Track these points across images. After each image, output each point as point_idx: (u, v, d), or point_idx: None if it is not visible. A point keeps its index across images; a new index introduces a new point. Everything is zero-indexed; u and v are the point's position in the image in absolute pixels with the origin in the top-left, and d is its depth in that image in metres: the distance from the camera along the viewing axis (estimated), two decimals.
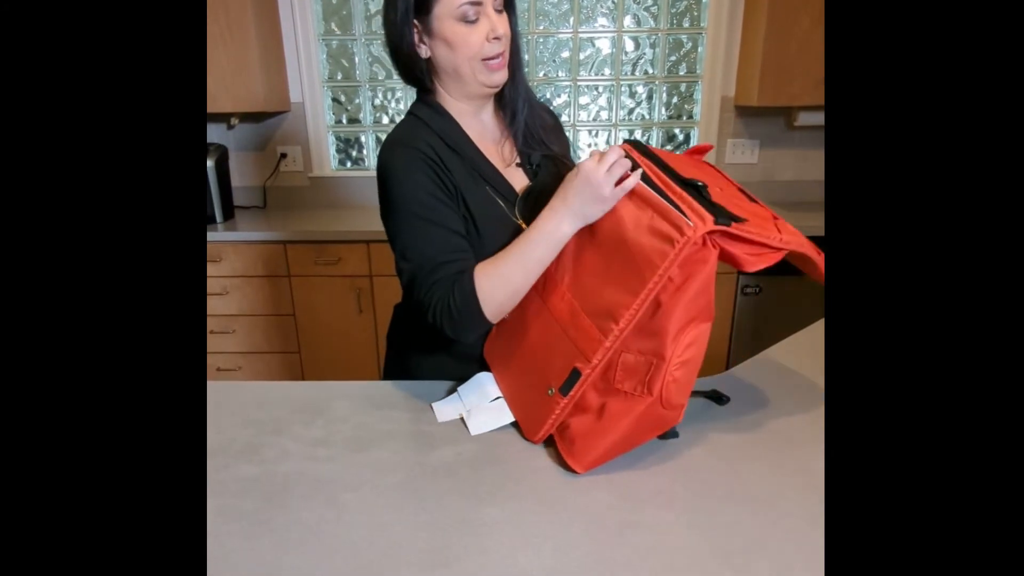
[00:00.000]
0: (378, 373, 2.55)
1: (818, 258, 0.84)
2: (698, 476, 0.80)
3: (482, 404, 0.95)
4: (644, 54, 2.74)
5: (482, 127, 1.04)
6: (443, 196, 0.94)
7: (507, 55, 0.96)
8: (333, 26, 2.72)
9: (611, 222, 0.83)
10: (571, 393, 0.81)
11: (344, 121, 2.85)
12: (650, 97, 2.81)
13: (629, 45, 2.73)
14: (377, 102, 2.82)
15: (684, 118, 2.84)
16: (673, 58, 2.75)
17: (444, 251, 0.91)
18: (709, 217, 0.72)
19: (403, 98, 2.81)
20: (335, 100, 2.82)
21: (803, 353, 1.18)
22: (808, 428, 0.92)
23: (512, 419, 0.92)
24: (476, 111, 1.02)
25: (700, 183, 0.79)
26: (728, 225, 0.72)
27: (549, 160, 1.06)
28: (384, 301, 2.44)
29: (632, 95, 2.80)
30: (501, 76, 0.96)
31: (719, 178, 0.91)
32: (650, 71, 2.77)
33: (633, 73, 2.77)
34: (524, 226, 0.98)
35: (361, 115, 2.83)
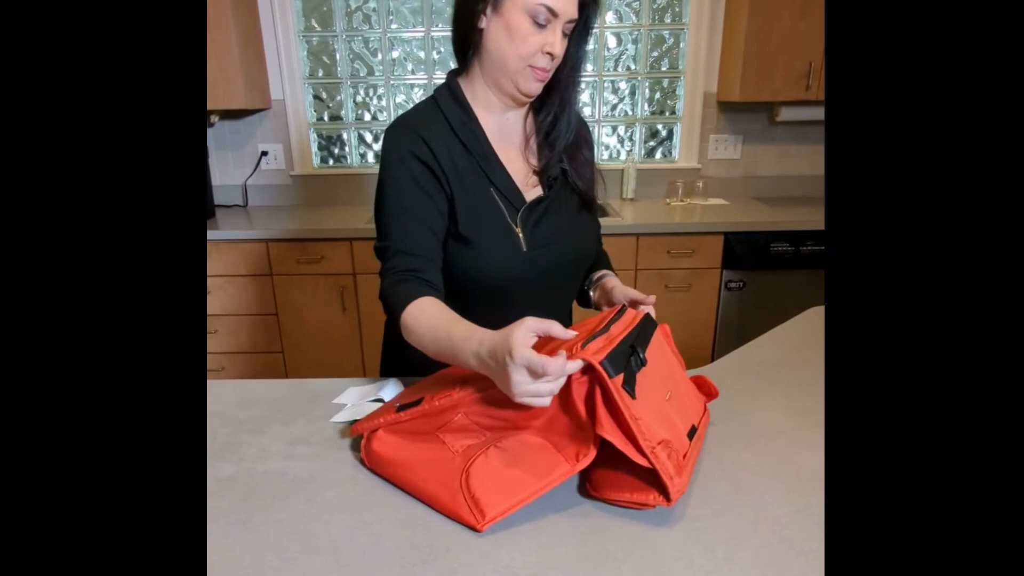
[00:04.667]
0: (362, 372, 2.53)
1: (647, 497, 0.71)
2: None
3: (363, 401, 0.98)
4: (626, 50, 2.75)
5: (503, 124, 1.02)
6: (428, 187, 0.94)
7: (550, 74, 0.95)
8: (313, 22, 2.69)
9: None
10: (401, 414, 0.80)
11: (326, 118, 2.83)
12: (633, 93, 2.81)
13: (611, 41, 2.73)
14: (359, 99, 2.80)
15: (667, 114, 2.84)
16: (655, 54, 2.75)
17: (406, 241, 0.92)
18: (601, 355, 0.69)
19: (385, 95, 2.79)
20: (316, 97, 2.80)
21: (786, 345, 1.18)
22: (792, 420, 0.92)
23: (358, 417, 0.92)
24: (504, 108, 1.01)
25: (642, 355, 0.74)
26: (610, 376, 0.68)
27: (565, 176, 1.05)
28: (368, 299, 2.42)
29: (615, 91, 2.80)
30: (537, 88, 0.96)
31: (686, 409, 0.83)
32: (632, 67, 2.77)
33: (615, 69, 2.77)
34: (521, 235, 0.98)
35: (343, 112, 2.81)
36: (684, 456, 0.75)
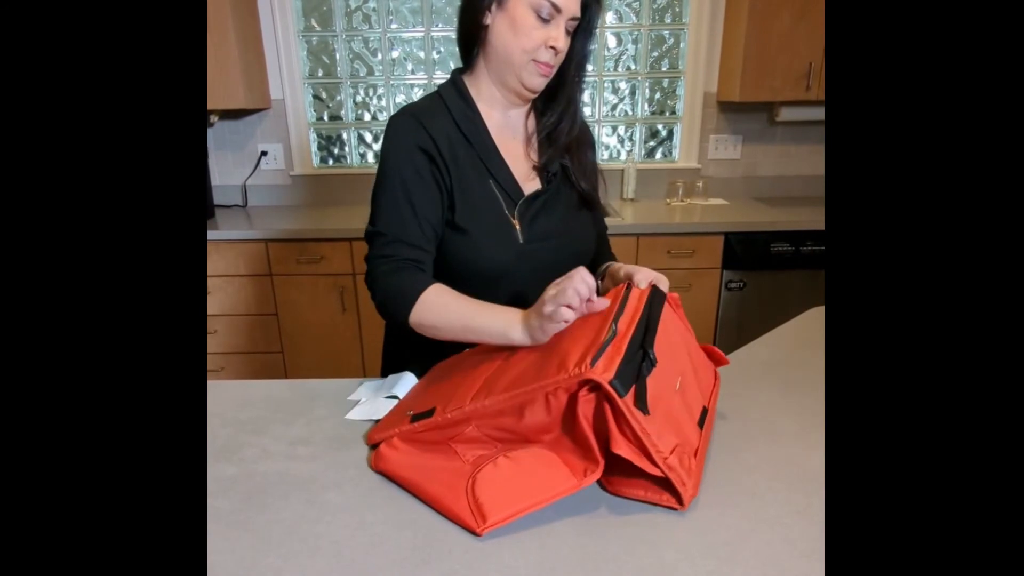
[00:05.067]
0: (363, 372, 2.53)
1: (659, 497, 0.74)
2: None
3: (377, 397, 0.97)
4: (626, 50, 2.75)
5: (506, 121, 1.04)
6: (429, 180, 0.95)
7: (554, 70, 0.97)
8: (313, 22, 2.69)
9: (572, 330, 0.80)
10: (415, 424, 0.81)
11: (326, 118, 2.83)
12: (633, 93, 2.81)
13: (611, 41, 2.73)
14: (359, 99, 2.80)
15: (667, 114, 2.84)
16: (655, 54, 2.75)
17: (406, 231, 0.94)
18: (610, 374, 0.68)
19: (385, 95, 2.79)
20: (316, 97, 2.80)
21: (787, 345, 1.18)
22: (793, 419, 0.92)
23: (380, 417, 0.92)
24: (507, 105, 1.03)
25: (651, 355, 0.74)
26: (621, 396, 0.68)
27: (565, 173, 1.06)
28: (368, 300, 2.42)
29: (615, 91, 2.80)
30: (540, 83, 0.97)
31: (695, 389, 0.83)
32: (632, 67, 2.77)
33: (616, 69, 2.77)
34: (518, 227, 0.99)
35: (343, 112, 2.81)
36: (695, 453, 0.75)
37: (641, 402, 0.69)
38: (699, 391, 0.84)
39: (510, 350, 0.85)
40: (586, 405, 0.71)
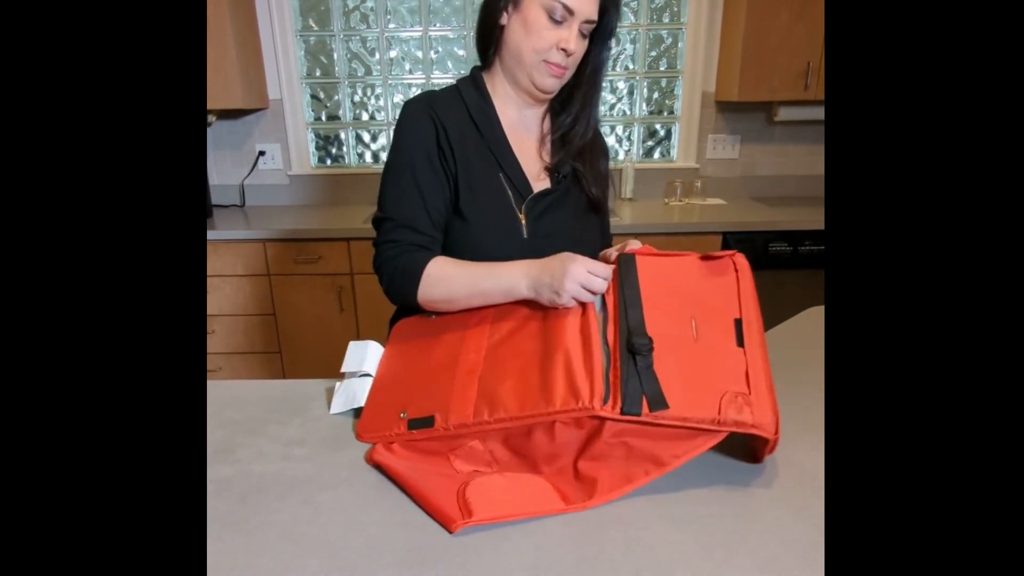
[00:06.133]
0: None
1: (765, 445, 0.75)
2: (679, 469, 0.79)
3: (351, 379, 0.96)
4: (625, 50, 2.74)
5: (520, 119, 1.05)
6: (438, 166, 0.97)
7: (569, 73, 0.98)
8: (311, 22, 2.68)
9: (560, 326, 0.82)
10: (415, 432, 0.81)
11: (323, 118, 2.82)
12: (631, 93, 2.81)
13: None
14: (357, 99, 2.79)
15: (665, 114, 2.84)
16: (654, 53, 2.75)
17: (414, 217, 0.96)
18: (618, 404, 0.71)
19: (383, 95, 2.78)
20: (314, 97, 2.79)
21: (786, 345, 1.17)
22: (790, 420, 0.91)
23: (362, 404, 0.92)
24: (521, 104, 1.04)
25: (645, 346, 0.74)
26: (636, 415, 0.70)
27: (575, 175, 1.07)
28: (366, 299, 2.42)
29: (613, 91, 2.80)
30: (553, 84, 0.98)
31: (717, 311, 0.80)
32: (631, 67, 2.77)
33: (614, 69, 2.76)
34: (524, 222, 1.00)
35: (340, 112, 2.81)
36: (747, 380, 0.72)
37: (657, 400, 0.70)
38: (720, 312, 0.80)
39: (490, 328, 0.88)
40: (609, 441, 0.74)
